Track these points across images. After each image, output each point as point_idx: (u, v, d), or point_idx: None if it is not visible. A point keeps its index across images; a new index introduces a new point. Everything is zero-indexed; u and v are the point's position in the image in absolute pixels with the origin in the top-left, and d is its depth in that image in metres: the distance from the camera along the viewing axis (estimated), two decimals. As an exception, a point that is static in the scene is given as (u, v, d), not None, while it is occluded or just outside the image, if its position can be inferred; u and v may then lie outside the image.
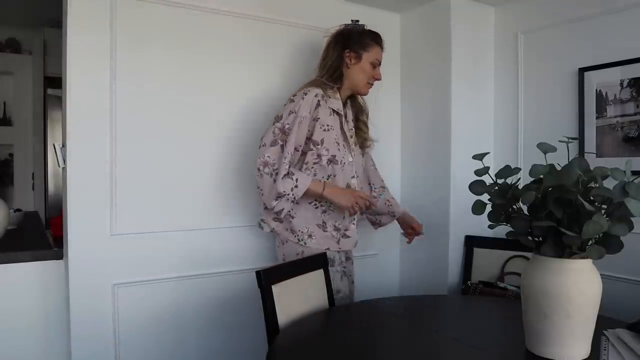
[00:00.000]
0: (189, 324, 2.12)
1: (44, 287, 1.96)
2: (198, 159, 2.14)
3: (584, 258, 1.15)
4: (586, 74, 2.18)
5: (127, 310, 1.98)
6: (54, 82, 3.79)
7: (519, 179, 1.33)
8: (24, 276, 1.93)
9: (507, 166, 1.27)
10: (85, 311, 1.89)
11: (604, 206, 1.13)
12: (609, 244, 1.13)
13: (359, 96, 2.10)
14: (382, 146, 2.45)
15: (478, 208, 1.30)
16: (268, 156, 1.84)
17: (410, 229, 2.28)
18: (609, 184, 1.11)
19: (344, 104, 2.04)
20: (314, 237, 1.94)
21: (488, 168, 1.27)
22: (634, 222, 1.12)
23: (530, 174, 1.20)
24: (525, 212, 1.22)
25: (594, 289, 1.16)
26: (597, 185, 1.12)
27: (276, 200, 1.84)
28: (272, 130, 1.87)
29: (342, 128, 1.99)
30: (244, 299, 2.21)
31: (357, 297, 2.13)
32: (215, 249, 2.18)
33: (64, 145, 1.92)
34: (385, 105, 2.64)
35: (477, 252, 2.43)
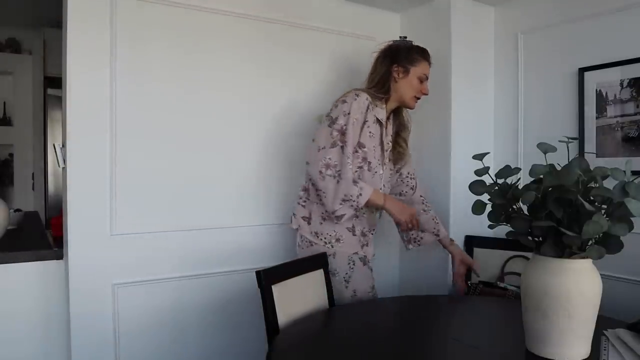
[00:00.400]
0: (189, 323, 2.12)
1: (44, 287, 1.96)
2: (198, 158, 2.14)
3: (584, 258, 1.15)
4: (586, 74, 2.18)
5: (127, 310, 1.98)
6: (54, 82, 3.78)
7: (519, 179, 1.33)
8: (24, 276, 1.93)
9: (507, 166, 1.27)
10: (85, 311, 1.89)
11: (604, 206, 1.13)
12: (609, 244, 1.13)
13: (404, 113, 2.13)
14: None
15: (478, 208, 1.30)
16: (329, 158, 1.85)
17: (461, 265, 2.16)
18: (609, 184, 1.11)
19: (387, 117, 2.05)
20: (342, 241, 1.96)
21: (488, 168, 1.27)
22: (634, 222, 1.12)
23: (530, 174, 1.20)
24: (525, 212, 1.22)
25: (594, 289, 1.16)
26: (597, 185, 1.12)
27: (341, 204, 1.86)
28: (329, 131, 1.88)
29: (381, 138, 2.01)
30: (244, 299, 2.21)
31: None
32: (216, 248, 2.18)
33: (64, 145, 1.92)
34: (385, 105, 2.64)
35: (477, 252, 2.43)
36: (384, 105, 2.01)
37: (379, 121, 1.97)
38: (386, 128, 2.04)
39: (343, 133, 1.87)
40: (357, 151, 1.92)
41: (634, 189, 1.07)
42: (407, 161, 2.18)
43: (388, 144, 2.06)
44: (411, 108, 2.07)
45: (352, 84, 2.28)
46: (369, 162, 1.95)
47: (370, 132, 1.94)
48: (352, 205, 1.86)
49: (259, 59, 2.27)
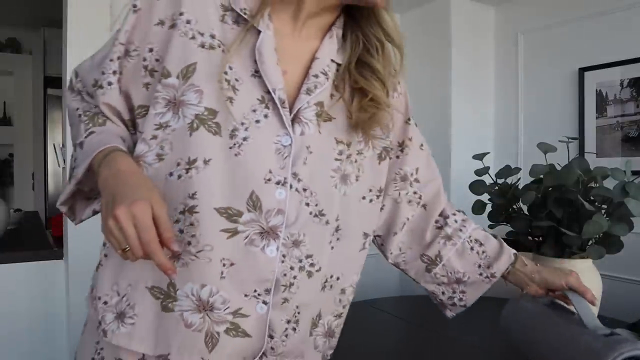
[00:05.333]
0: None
1: (44, 287, 1.96)
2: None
3: (584, 258, 1.15)
4: (586, 74, 2.18)
5: (127, 310, 1.97)
6: (54, 82, 3.79)
7: (519, 179, 1.33)
8: (24, 276, 1.93)
9: (507, 166, 1.27)
10: (85, 311, 1.89)
11: (604, 206, 1.13)
12: (609, 244, 1.13)
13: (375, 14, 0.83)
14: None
15: (478, 208, 1.30)
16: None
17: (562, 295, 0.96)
18: (609, 184, 1.11)
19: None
20: None
21: (488, 168, 1.27)
22: (634, 222, 1.12)
23: (530, 174, 1.20)
24: (525, 212, 1.22)
25: (594, 289, 1.15)
26: (597, 185, 1.12)
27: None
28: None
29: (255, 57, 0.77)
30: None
31: (358, 297, 2.13)
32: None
33: (63, 145, 1.92)
34: (385, 105, 2.64)
35: (477, 252, 2.44)
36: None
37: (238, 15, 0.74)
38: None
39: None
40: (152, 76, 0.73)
41: (634, 189, 1.07)
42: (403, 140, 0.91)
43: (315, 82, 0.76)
44: (375, 2, 0.76)
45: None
46: (211, 115, 0.70)
47: (202, 42, 0.72)
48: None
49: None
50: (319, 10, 0.75)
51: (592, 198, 1.12)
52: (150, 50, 0.71)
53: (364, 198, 0.81)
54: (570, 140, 1.23)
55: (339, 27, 0.79)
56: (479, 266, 0.92)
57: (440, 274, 0.93)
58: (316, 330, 0.80)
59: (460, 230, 0.93)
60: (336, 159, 0.76)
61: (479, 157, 1.30)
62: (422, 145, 0.93)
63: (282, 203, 0.70)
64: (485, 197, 1.28)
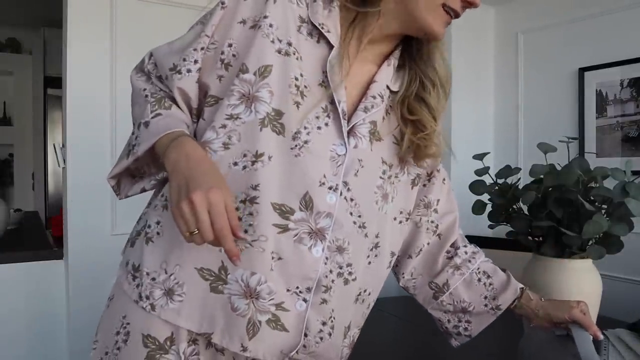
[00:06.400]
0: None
1: (44, 287, 1.96)
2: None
3: (584, 258, 1.15)
4: (586, 74, 2.18)
5: (127, 310, 1.97)
6: (54, 82, 3.79)
7: (519, 179, 1.33)
8: (24, 276, 1.93)
9: (507, 166, 1.27)
10: (85, 311, 1.89)
11: (604, 206, 1.13)
12: (609, 244, 1.13)
13: (428, 49, 0.86)
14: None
15: (478, 208, 1.30)
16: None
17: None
18: (609, 184, 1.11)
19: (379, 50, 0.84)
20: None
21: (488, 168, 1.27)
22: (634, 222, 1.12)
23: (530, 174, 1.20)
24: (525, 212, 1.22)
25: (594, 289, 1.16)
26: (597, 185, 1.12)
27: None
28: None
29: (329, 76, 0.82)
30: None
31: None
32: (215, 249, 2.18)
33: (64, 145, 1.92)
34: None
35: (477, 252, 2.44)
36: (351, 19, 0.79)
37: (319, 32, 0.78)
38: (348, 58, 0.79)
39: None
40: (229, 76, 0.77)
41: (634, 189, 1.07)
42: (434, 169, 0.97)
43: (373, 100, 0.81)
44: (436, 36, 0.83)
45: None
46: (278, 116, 0.74)
47: (280, 48, 0.75)
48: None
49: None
50: (381, 36, 0.80)
51: (592, 198, 1.12)
52: (230, 45, 0.75)
53: (395, 219, 0.86)
54: (570, 140, 1.22)
55: (396, 57, 0.84)
56: (485, 297, 0.95)
57: (447, 301, 0.97)
58: (345, 340, 0.83)
59: (470, 261, 0.97)
60: (380, 177, 0.81)
61: (479, 157, 1.30)
62: (444, 179, 0.99)
63: (332, 207, 0.74)
64: (485, 197, 1.28)
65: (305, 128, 0.73)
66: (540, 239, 1.20)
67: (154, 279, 0.75)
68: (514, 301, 0.94)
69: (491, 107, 2.60)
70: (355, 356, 1.32)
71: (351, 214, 0.76)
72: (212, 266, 0.73)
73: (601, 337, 0.94)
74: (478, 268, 0.97)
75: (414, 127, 0.82)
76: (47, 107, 3.92)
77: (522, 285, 0.96)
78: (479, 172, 1.27)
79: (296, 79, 0.74)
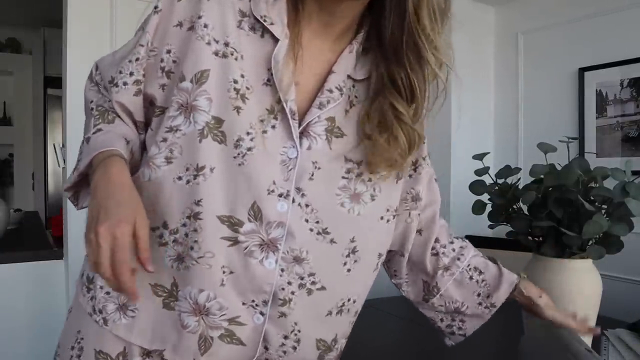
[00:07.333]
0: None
1: (44, 287, 1.96)
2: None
3: (584, 258, 1.15)
4: (586, 74, 2.18)
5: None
6: (54, 82, 3.79)
7: (519, 179, 1.33)
8: (24, 276, 1.93)
9: (507, 166, 1.27)
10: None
11: (604, 206, 1.12)
12: (609, 244, 1.13)
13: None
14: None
15: (478, 208, 1.29)
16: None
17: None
18: (609, 184, 1.11)
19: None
20: None
21: (488, 168, 1.27)
22: (634, 222, 1.12)
23: (530, 174, 1.20)
24: (525, 212, 1.22)
25: (594, 289, 1.16)
26: (597, 185, 1.12)
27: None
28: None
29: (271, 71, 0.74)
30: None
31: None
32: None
33: (64, 145, 1.92)
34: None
35: (477, 252, 2.44)
36: None
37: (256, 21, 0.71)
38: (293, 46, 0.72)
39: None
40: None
41: (634, 189, 1.07)
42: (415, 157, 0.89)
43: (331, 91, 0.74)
44: None
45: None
46: (218, 124, 0.69)
47: (217, 50, 0.70)
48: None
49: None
50: (340, 20, 0.72)
51: (592, 198, 1.11)
52: (168, 51, 0.70)
53: (382, 218, 0.79)
54: (570, 140, 1.22)
55: (359, 41, 0.76)
56: (478, 295, 0.92)
57: (438, 303, 0.93)
58: (330, 354, 0.79)
59: (458, 259, 0.92)
60: (343, 177, 0.73)
61: (479, 157, 1.29)
62: (429, 163, 0.93)
63: (283, 216, 0.69)
64: (485, 197, 1.28)
65: (248, 134, 0.67)
66: (540, 239, 1.20)
67: (108, 292, 0.72)
68: (508, 297, 0.92)
69: (491, 107, 2.60)
70: (355, 357, 1.32)
71: (307, 220, 0.71)
72: (165, 282, 0.70)
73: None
74: (468, 265, 0.92)
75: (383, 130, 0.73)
76: (47, 107, 3.93)
77: (515, 278, 0.93)
78: (479, 172, 1.27)
79: (235, 81, 0.68)
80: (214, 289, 0.68)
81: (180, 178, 0.68)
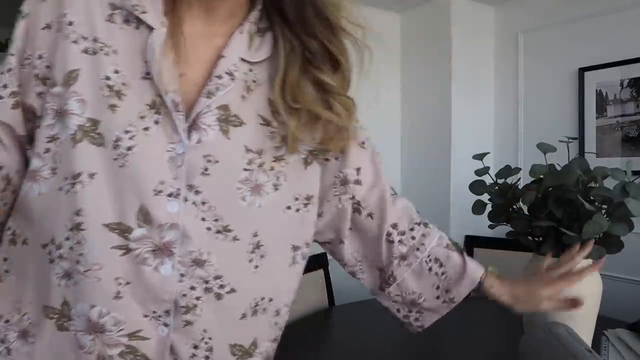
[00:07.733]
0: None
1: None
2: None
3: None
4: (586, 74, 2.18)
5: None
6: (54, 82, 3.79)
7: (519, 179, 1.33)
8: (24, 276, 1.92)
9: (507, 166, 1.27)
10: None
11: (604, 206, 1.13)
12: (609, 244, 1.13)
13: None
14: (382, 146, 2.45)
15: (478, 208, 1.30)
16: None
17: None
18: (609, 184, 1.11)
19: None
20: None
21: (488, 168, 1.27)
22: (634, 222, 1.12)
23: (530, 174, 1.20)
24: (525, 212, 1.22)
25: (594, 289, 1.16)
26: (597, 185, 1.12)
27: None
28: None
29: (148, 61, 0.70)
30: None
31: (358, 297, 2.13)
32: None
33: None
34: (385, 104, 2.64)
35: (477, 252, 2.43)
36: None
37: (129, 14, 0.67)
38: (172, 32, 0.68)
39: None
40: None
41: (634, 189, 1.07)
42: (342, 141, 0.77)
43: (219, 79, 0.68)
44: None
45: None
46: (94, 126, 0.65)
47: (86, 47, 0.65)
48: None
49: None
50: (227, 2, 0.68)
51: (592, 198, 1.12)
52: (40, 57, 0.65)
53: (289, 208, 0.73)
54: (570, 140, 1.23)
55: (252, 20, 0.71)
56: (437, 287, 0.86)
57: (395, 293, 0.87)
58: (250, 359, 0.73)
59: (418, 249, 0.86)
60: (245, 169, 0.67)
61: (479, 157, 1.29)
62: (364, 142, 0.83)
63: (174, 217, 0.63)
64: (485, 197, 1.28)
65: (127, 132, 0.62)
66: (540, 239, 1.20)
67: (7, 321, 0.67)
68: (469, 293, 0.85)
69: (491, 107, 2.61)
70: (355, 356, 1.32)
71: (203, 219, 0.65)
72: (54, 303, 0.64)
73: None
74: (429, 256, 0.86)
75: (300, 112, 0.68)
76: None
77: (480, 275, 0.86)
78: (479, 172, 1.27)
79: (108, 78, 0.63)
80: (106, 303, 0.63)
81: (60, 189, 0.63)
